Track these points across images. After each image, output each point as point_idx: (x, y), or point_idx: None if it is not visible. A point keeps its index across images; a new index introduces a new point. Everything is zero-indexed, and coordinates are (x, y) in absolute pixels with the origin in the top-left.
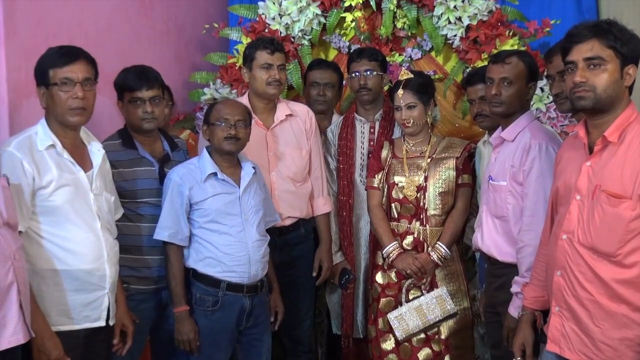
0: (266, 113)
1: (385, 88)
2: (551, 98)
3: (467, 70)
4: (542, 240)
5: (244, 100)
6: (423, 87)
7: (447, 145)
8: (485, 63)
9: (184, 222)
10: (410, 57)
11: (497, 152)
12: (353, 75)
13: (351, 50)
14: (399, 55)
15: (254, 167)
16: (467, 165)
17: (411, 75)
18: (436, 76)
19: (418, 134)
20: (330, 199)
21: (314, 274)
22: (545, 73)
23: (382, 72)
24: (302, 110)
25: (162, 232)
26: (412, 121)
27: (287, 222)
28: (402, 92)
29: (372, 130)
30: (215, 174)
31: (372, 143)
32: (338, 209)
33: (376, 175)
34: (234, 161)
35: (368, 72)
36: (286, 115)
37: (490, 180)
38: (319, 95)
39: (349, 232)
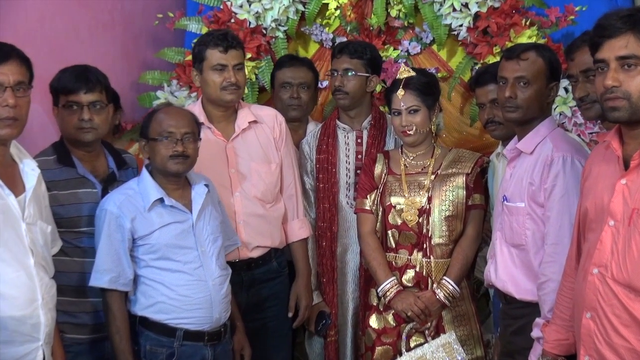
0: (225, 121)
1: (378, 89)
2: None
3: (476, 68)
4: (566, 271)
5: (197, 107)
6: (427, 87)
7: (455, 159)
8: (498, 59)
9: (127, 262)
10: (407, 51)
11: (513, 166)
12: (332, 74)
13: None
14: (394, 49)
15: (206, 185)
16: (479, 183)
17: (412, 73)
18: (439, 75)
19: (420, 145)
20: (307, 221)
21: (290, 315)
22: (566, 72)
23: (367, 72)
24: (268, 114)
25: (101, 277)
26: (414, 128)
27: (256, 254)
28: (402, 93)
29: (359, 140)
30: (161, 199)
31: (359, 156)
32: (316, 238)
33: (368, 196)
34: (182, 181)
35: (347, 72)
36: (249, 123)
37: (505, 201)
38: (291, 98)
39: (329, 267)
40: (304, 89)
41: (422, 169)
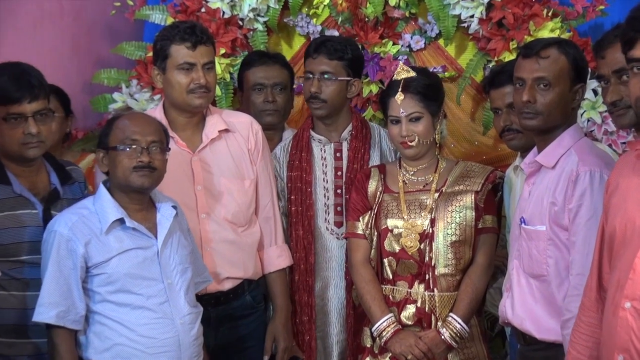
0: (191, 130)
1: (365, 92)
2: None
3: (490, 66)
4: (584, 303)
5: (157, 113)
6: (431, 90)
7: (463, 174)
8: (515, 56)
9: (79, 295)
10: (409, 46)
11: (532, 183)
12: (307, 78)
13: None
14: (393, 44)
15: (174, 207)
16: (491, 202)
17: (412, 74)
18: (446, 74)
19: (422, 158)
20: (287, 248)
21: (266, 358)
22: (596, 72)
23: (349, 76)
24: (242, 122)
25: (47, 311)
26: (416, 139)
27: (227, 286)
28: (401, 98)
29: (337, 154)
30: (121, 221)
31: (339, 173)
32: (288, 270)
33: (361, 218)
34: (146, 201)
35: (325, 77)
36: (220, 132)
37: (523, 224)
38: (265, 102)
39: (306, 305)
40: (279, 91)
41: (424, 186)
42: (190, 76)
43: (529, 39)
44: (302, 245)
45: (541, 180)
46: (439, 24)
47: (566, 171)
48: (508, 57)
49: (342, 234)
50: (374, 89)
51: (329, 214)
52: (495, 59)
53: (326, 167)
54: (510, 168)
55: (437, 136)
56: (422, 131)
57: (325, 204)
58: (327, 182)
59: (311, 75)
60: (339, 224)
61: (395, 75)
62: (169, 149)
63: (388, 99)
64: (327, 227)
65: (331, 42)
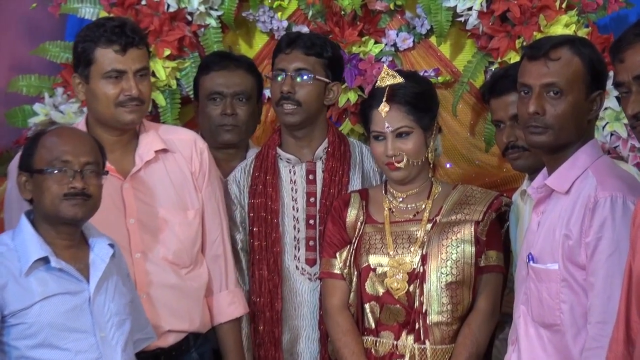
0: (120, 151)
1: (342, 101)
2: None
3: (492, 70)
4: (609, 359)
5: (80, 129)
6: (421, 99)
7: (462, 200)
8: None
9: None
10: (394, 45)
11: (542, 212)
12: (276, 76)
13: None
14: (375, 43)
15: (111, 245)
16: (496, 235)
17: (399, 79)
18: (440, 79)
19: (412, 181)
20: (242, 292)
21: None
22: (615, 78)
23: (327, 77)
24: (184, 140)
25: None
26: (404, 159)
27: (169, 341)
28: (386, 109)
29: (310, 177)
30: (46, 259)
31: (312, 200)
32: (251, 319)
33: (338, 254)
34: (77, 236)
35: (300, 75)
36: (156, 152)
37: (531, 262)
38: (224, 115)
39: (271, 358)
40: (241, 101)
41: (414, 215)
42: (120, 86)
43: (538, 36)
44: (267, 288)
45: (552, 208)
46: (431, 18)
47: (582, 197)
48: (514, 58)
49: (315, 275)
50: (352, 97)
51: (299, 249)
52: (499, 60)
53: (296, 192)
54: (517, 193)
55: (430, 155)
56: (412, 149)
57: (295, 237)
58: (297, 210)
59: (283, 74)
60: (311, 262)
61: (378, 82)
62: (106, 172)
63: (370, 110)
64: (297, 266)
65: (308, 36)
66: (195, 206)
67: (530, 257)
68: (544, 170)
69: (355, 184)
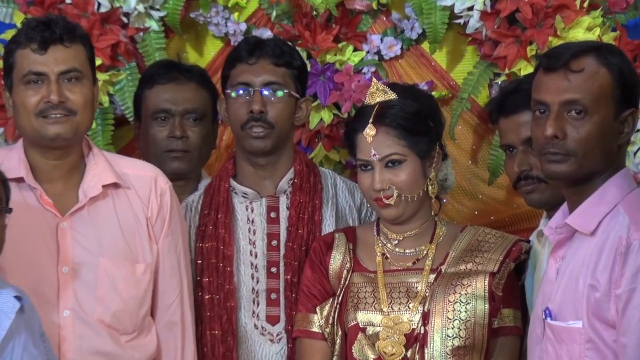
0: (62, 181)
1: (313, 123)
2: None
3: (498, 83)
4: None
5: (15, 153)
6: (417, 120)
7: (473, 246)
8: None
9: None
10: (378, 53)
11: (562, 257)
12: (238, 92)
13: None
14: (355, 50)
15: (17, 298)
16: (513, 290)
17: (392, 95)
18: (434, 94)
19: (410, 220)
20: None
21: None
22: None
23: (297, 92)
24: (143, 175)
25: None
26: (394, 194)
27: None
28: (372, 133)
29: (272, 214)
30: None
31: (273, 243)
32: None
33: (318, 309)
34: None
35: (270, 90)
36: (105, 187)
37: (549, 319)
38: (171, 138)
39: None
40: (193, 121)
41: (413, 263)
42: (40, 92)
43: (555, 42)
44: (220, 351)
45: (575, 252)
46: (423, 19)
47: (612, 239)
48: (525, 69)
49: (278, 335)
50: (326, 117)
51: (258, 304)
52: (506, 71)
53: (255, 234)
54: (534, 234)
55: (430, 188)
56: (404, 182)
57: (253, 289)
58: (256, 256)
59: (245, 90)
60: (273, 320)
61: (367, 98)
62: (9, 209)
63: (355, 134)
64: (255, 325)
65: (273, 42)
66: (146, 259)
67: (547, 312)
68: (564, 206)
69: (328, 223)
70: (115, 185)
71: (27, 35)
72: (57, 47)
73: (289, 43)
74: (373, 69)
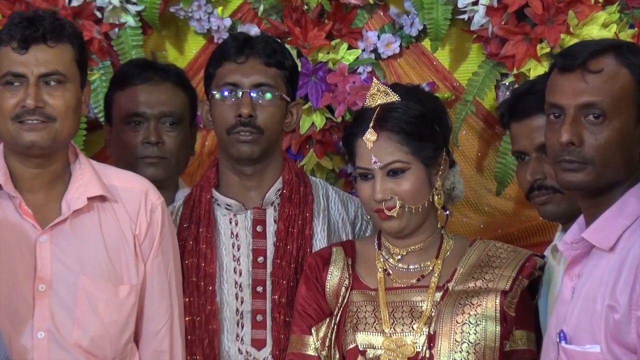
0: (44, 191)
1: (304, 128)
2: None
3: (505, 84)
4: None
5: None
6: (422, 123)
7: (483, 262)
8: (546, 67)
9: None
10: (374, 51)
11: (577, 275)
12: (224, 94)
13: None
14: (350, 48)
15: None
16: (527, 310)
17: (394, 97)
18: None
19: (414, 234)
20: None
21: None
22: None
23: (289, 95)
24: (133, 189)
25: None
26: (397, 205)
27: None
28: (372, 138)
29: (259, 228)
30: None
31: (261, 259)
32: None
33: (314, 330)
34: None
35: (260, 92)
36: (91, 200)
37: (563, 343)
38: (146, 143)
39: None
40: (170, 126)
41: (418, 280)
42: (18, 95)
43: (568, 41)
44: None
45: (592, 270)
46: (423, 15)
47: (633, 256)
48: (535, 69)
49: None
50: (318, 121)
51: (243, 327)
52: (514, 71)
53: (239, 249)
54: (548, 250)
55: (436, 198)
56: (408, 191)
57: (237, 311)
58: (240, 274)
59: (236, 89)
60: (259, 344)
61: (367, 101)
62: None
63: (354, 139)
64: (240, 349)
65: (264, 39)
66: (132, 281)
67: (561, 335)
68: (580, 220)
69: (319, 238)
70: (102, 198)
71: (9, 31)
72: (39, 47)
73: (280, 41)
74: (369, 69)
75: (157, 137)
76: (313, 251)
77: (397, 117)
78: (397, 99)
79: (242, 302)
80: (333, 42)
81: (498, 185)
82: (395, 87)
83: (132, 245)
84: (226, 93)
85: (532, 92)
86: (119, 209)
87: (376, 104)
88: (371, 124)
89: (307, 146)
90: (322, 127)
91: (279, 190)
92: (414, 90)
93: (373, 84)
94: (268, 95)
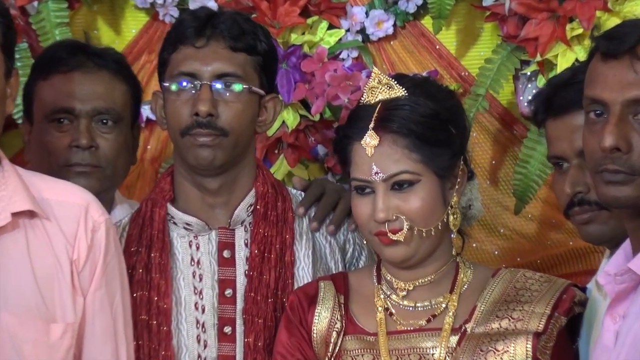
0: None
1: (273, 127)
2: None
3: (526, 75)
4: None
5: None
6: (435, 124)
7: (508, 295)
8: (580, 53)
9: None
10: (362, 32)
11: (622, 315)
12: (181, 85)
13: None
14: (330, 28)
15: None
16: (565, 354)
17: (400, 91)
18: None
19: (423, 263)
20: None
21: None
22: None
23: (262, 87)
24: (70, 203)
25: None
26: (404, 227)
27: None
28: (373, 143)
29: (225, 253)
30: None
31: (229, 293)
32: None
33: None
34: None
35: (225, 84)
36: (15, 215)
37: None
38: (74, 147)
39: None
40: (105, 125)
41: (427, 321)
42: None
43: (605, 20)
44: None
45: None
46: None
47: None
48: (564, 55)
49: None
50: (291, 119)
51: None
52: (537, 58)
53: (201, 280)
54: (592, 282)
55: (452, 218)
56: (419, 210)
57: (199, 357)
58: (203, 311)
59: (194, 81)
60: None
61: (365, 95)
62: None
63: (349, 144)
64: None
65: (230, 16)
66: (67, 318)
67: None
68: (626, 245)
69: (302, 265)
70: (31, 215)
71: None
72: None
73: (248, 17)
74: (355, 54)
75: (89, 140)
76: (295, 281)
77: (404, 116)
78: (403, 93)
79: (205, 347)
80: (309, 20)
81: (517, 201)
82: (401, 79)
83: (68, 273)
84: (182, 84)
85: (574, 83)
86: (51, 228)
87: (377, 99)
88: (371, 125)
89: (276, 151)
90: (296, 127)
91: (251, 205)
92: (424, 82)
93: (373, 74)
94: (235, 88)
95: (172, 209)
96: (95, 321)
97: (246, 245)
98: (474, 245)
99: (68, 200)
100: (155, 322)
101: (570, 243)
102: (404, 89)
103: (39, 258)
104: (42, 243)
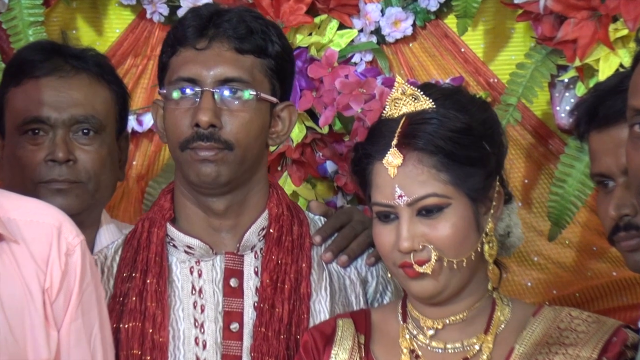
0: None
1: (296, 139)
2: None
3: (563, 81)
4: None
5: None
6: (469, 141)
7: (551, 336)
8: (624, 57)
9: None
10: (376, 32)
11: None
12: (183, 91)
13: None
14: (341, 28)
15: None
16: None
17: (427, 103)
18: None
19: (454, 299)
20: None
21: None
22: None
23: (273, 95)
24: (40, 224)
25: None
26: (433, 258)
27: None
28: (396, 162)
29: (232, 282)
30: None
31: (235, 327)
32: None
33: None
34: None
35: (231, 91)
36: None
37: None
38: (50, 162)
39: None
40: (86, 136)
41: None
42: None
43: None
44: None
45: None
46: None
47: None
48: (606, 59)
49: None
50: (296, 132)
51: None
52: (576, 63)
53: (203, 311)
54: None
55: (487, 247)
56: (449, 238)
57: None
58: (204, 347)
59: (195, 87)
60: None
61: (388, 108)
62: None
63: (369, 164)
64: None
65: (237, 13)
66: (40, 354)
67: None
68: None
69: (319, 299)
70: None
71: None
72: None
73: (259, 14)
74: (369, 58)
75: (66, 153)
76: (310, 316)
77: (431, 131)
78: (430, 105)
79: None
80: (317, 19)
81: (552, 225)
82: (428, 89)
83: (39, 304)
84: (182, 92)
85: (621, 91)
86: (20, 253)
87: (401, 112)
88: (394, 142)
89: (279, 168)
90: (301, 140)
91: (263, 229)
92: (454, 92)
93: (396, 84)
94: (243, 95)
95: (172, 230)
96: (71, 357)
97: (256, 273)
98: (504, 275)
99: (38, 220)
100: (149, 357)
101: (614, 273)
102: (431, 100)
103: (6, 287)
104: (9, 270)
